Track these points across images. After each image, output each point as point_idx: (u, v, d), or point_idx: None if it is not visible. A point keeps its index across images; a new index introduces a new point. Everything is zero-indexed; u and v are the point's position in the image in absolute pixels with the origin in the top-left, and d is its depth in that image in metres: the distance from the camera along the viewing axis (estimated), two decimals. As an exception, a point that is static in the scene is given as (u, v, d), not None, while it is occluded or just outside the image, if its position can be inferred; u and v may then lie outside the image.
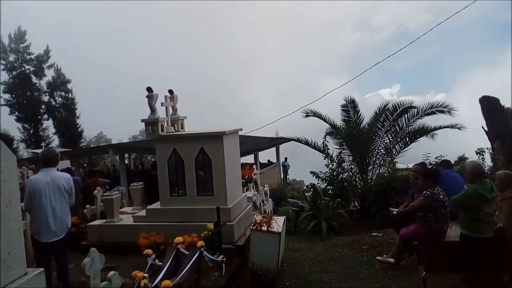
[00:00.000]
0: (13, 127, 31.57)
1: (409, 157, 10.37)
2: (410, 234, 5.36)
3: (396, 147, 10.45)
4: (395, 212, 6.16)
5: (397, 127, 10.44)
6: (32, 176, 4.71)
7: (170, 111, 6.64)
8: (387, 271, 5.57)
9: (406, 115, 10.28)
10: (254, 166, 12.74)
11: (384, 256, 5.79)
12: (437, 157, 9.60)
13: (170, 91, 6.67)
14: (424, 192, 5.19)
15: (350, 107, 10.77)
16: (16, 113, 31.66)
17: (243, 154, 13.74)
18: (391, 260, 5.58)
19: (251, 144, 21.74)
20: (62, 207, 4.51)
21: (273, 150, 26.58)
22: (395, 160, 10.54)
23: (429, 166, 7.82)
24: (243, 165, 12.35)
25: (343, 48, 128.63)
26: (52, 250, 4.51)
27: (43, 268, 2.48)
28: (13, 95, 31.47)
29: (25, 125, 32.23)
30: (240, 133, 7.04)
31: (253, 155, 22.55)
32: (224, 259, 4.86)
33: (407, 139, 10.36)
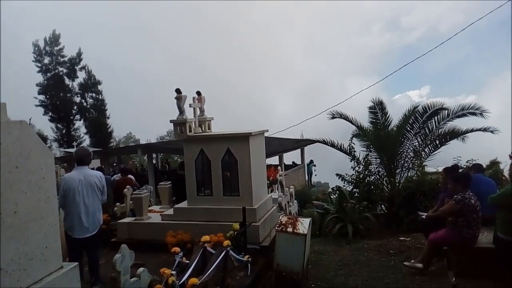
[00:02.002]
0: (46, 127, 32.83)
1: (439, 161, 10.13)
2: (440, 239, 5.23)
3: (426, 150, 10.22)
4: (424, 217, 6.03)
5: (426, 130, 10.20)
6: (66, 174, 4.90)
7: (198, 112, 6.73)
8: (415, 276, 5.45)
9: (436, 117, 10.03)
10: (279, 167, 12.69)
11: (412, 261, 5.67)
12: (468, 160, 9.34)
13: (198, 93, 6.76)
14: (455, 196, 5.05)
15: (378, 108, 10.60)
16: (50, 113, 32.87)
17: (268, 155, 13.75)
18: (419, 265, 5.46)
19: (276, 146, 21.72)
20: (94, 204, 4.68)
21: (297, 152, 26.48)
22: (424, 164, 10.31)
23: (460, 170, 7.61)
24: (268, 167, 12.37)
25: (370, 48, 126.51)
26: (84, 246, 4.67)
27: (77, 263, 2.59)
28: (47, 96, 32.67)
29: (58, 125, 33.43)
30: (265, 134, 7.07)
31: (277, 156, 22.53)
32: (250, 259, 4.89)
33: (437, 142, 10.11)
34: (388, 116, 10.62)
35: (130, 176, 10.37)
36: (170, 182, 8.04)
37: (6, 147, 2.05)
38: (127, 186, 7.93)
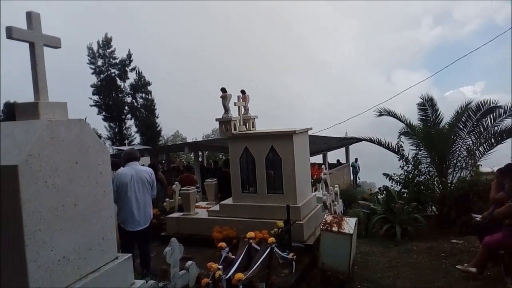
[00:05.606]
0: (100, 126, 34.55)
1: (495, 160, 9.55)
2: (496, 242, 4.94)
3: (480, 148, 9.68)
4: (478, 219, 5.74)
5: (481, 128, 9.66)
6: (119, 169, 5.14)
7: (242, 110, 6.83)
8: (468, 281, 5.19)
9: (491, 115, 9.47)
10: (323, 166, 12.51)
11: (465, 265, 5.40)
12: (527, 160, 8.75)
13: (243, 91, 6.86)
14: (513, 197, 4.76)
15: (428, 105, 10.17)
16: (103, 113, 34.58)
17: (312, 153, 13.63)
18: (473, 269, 5.19)
19: (320, 144, 21.47)
20: (145, 199, 4.89)
21: (342, 150, 26.01)
22: (478, 163, 9.77)
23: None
24: (312, 165, 12.27)
25: (420, 42, 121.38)
26: (136, 238, 4.89)
27: (131, 254, 2.73)
28: (101, 97, 34.40)
29: (111, 124, 35.07)
30: (309, 132, 7.03)
31: (321, 155, 22.24)
32: (295, 257, 4.89)
33: (493, 141, 9.54)
34: (439, 113, 10.17)
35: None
36: (216, 179, 8.22)
37: (67, 144, 2.20)
38: (175, 183, 8.21)
